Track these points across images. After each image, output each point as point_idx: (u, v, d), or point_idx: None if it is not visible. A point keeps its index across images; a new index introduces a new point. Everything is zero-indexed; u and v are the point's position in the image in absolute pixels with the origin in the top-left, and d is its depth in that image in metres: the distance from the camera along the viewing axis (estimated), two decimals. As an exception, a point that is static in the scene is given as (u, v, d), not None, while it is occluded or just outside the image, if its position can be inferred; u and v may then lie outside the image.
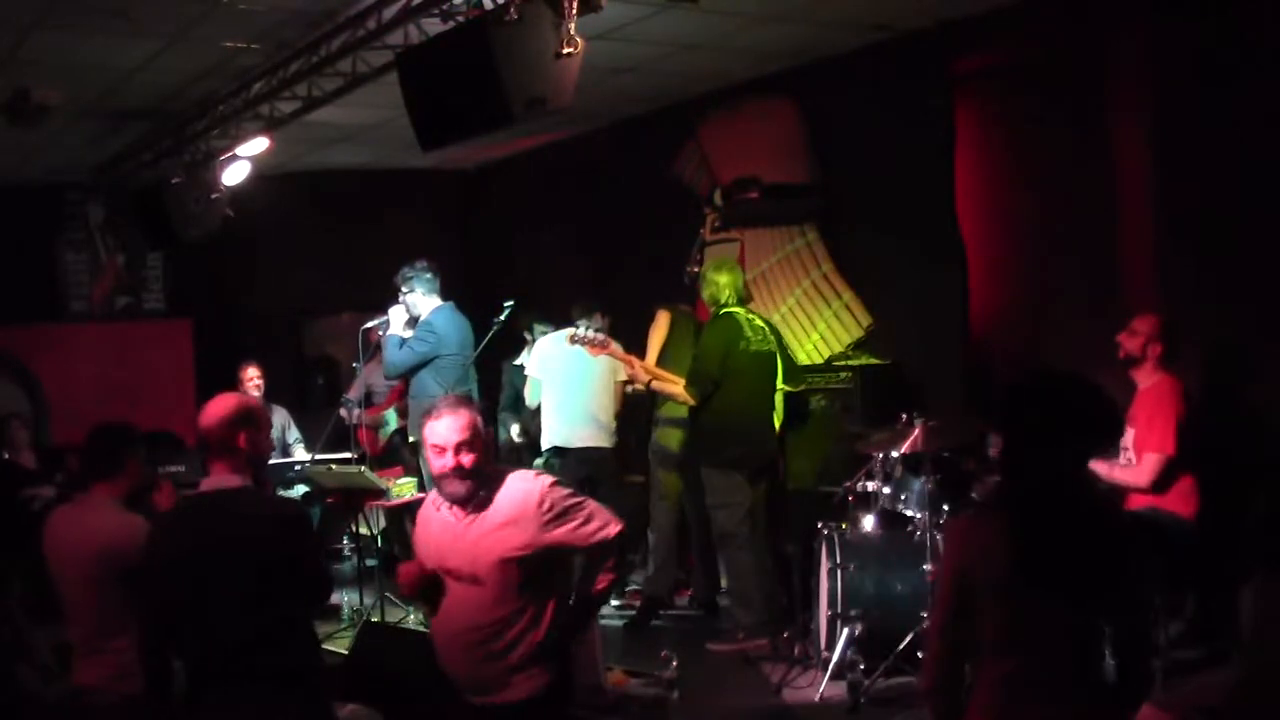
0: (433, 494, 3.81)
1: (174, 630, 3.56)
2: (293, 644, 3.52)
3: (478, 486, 3.59)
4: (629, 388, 7.37)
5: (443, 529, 3.68)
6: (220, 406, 3.64)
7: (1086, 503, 2.80)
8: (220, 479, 3.60)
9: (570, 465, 7.25)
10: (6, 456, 8.09)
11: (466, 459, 3.55)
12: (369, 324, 7.66)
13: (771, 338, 6.55)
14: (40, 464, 8.12)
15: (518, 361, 8.39)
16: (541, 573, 3.63)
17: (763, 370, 6.45)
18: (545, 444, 7.41)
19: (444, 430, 3.57)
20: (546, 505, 3.57)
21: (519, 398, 8.26)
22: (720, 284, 6.47)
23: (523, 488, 3.62)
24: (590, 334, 6.76)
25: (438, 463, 3.58)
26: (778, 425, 6.60)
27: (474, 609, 3.61)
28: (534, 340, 7.98)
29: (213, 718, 3.45)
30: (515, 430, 8.52)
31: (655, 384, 6.64)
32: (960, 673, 2.82)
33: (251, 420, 3.63)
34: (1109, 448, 2.94)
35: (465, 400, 3.74)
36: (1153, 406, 5.35)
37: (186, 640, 3.52)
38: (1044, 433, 2.78)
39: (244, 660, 3.42)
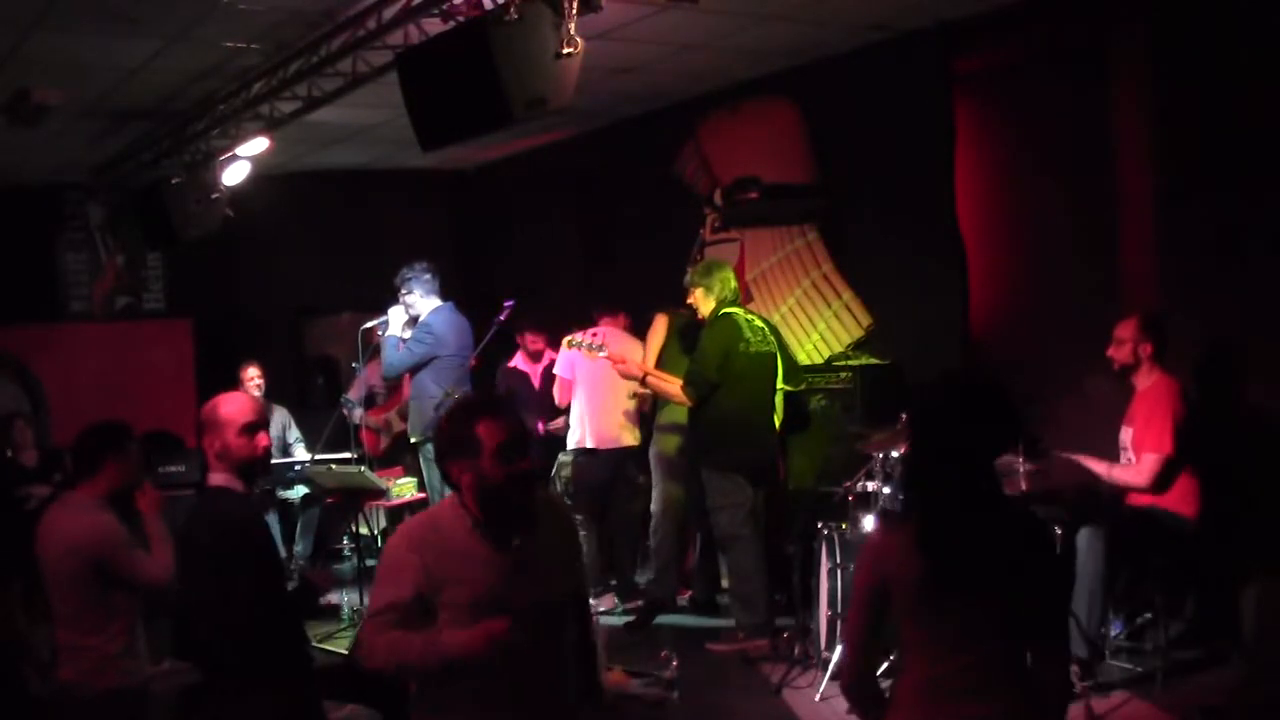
0: (446, 516, 3.09)
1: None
2: (266, 647, 3.54)
3: None
4: (629, 395, 7.46)
5: (491, 558, 3.02)
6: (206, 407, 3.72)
7: (995, 505, 2.81)
8: (211, 477, 3.68)
9: (598, 466, 7.44)
10: (10, 454, 8.09)
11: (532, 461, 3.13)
12: (369, 324, 7.67)
13: (771, 338, 6.53)
14: (41, 464, 8.11)
15: None
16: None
17: (763, 371, 6.44)
18: (573, 444, 7.48)
19: (515, 428, 3.03)
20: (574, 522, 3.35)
21: None
22: (715, 284, 6.45)
23: (556, 500, 3.35)
24: (587, 338, 6.78)
25: (504, 469, 2.98)
26: (778, 425, 6.59)
27: (548, 651, 3.07)
28: None
29: (202, 715, 3.49)
30: None
31: (651, 380, 6.65)
32: (874, 671, 2.96)
33: (207, 424, 3.67)
34: (1013, 445, 2.94)
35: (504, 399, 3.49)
36: (1150, 406, 5.36)
37: (181, 639, 3.58)
38: (947, 439, 2.80)
39: (223, 659, 3.45)
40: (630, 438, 7.52)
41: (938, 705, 2.74)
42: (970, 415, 2.80)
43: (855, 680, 2.94)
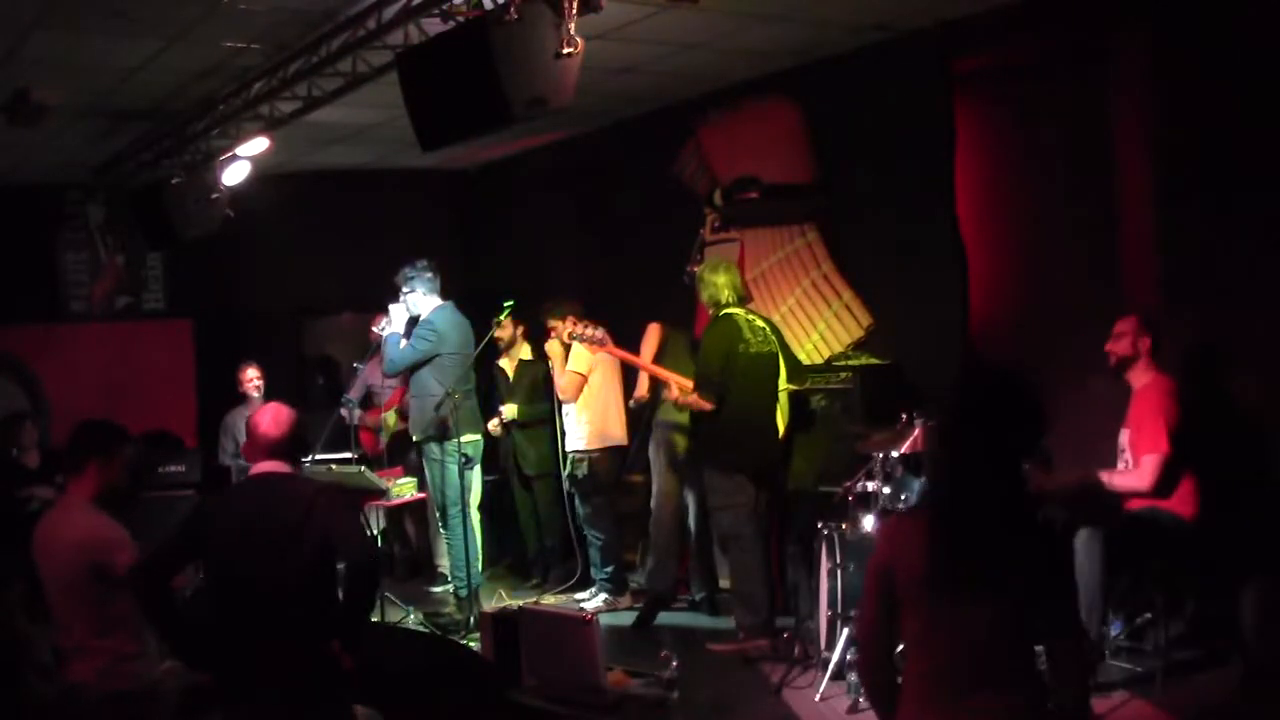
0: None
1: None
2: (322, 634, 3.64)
3: None
4: (630, 402, 7.48)
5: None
6: (283, 416, 3.95)
7: (1013, 504, 2.78)
8: (270, 465, 3.85)
9: (617, 463, 7.56)
10: (15, 454, 8.10)
11: None
12: (377, 326, 7.67)
13: (773, 338, 6.53)
14: (43, 465, 8.11)
15: None
16: None
17: (764, 372, 6.43)
18: (589, 441, 7.49)
19: None
20: None
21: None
22: (719, 284, 6.46)
23: None
24: (591, 332, 6.79)
25: None
26: (782, 426, 6.58)
27: None
28: None
29: (240, 708, 3.53)
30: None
31: (655, 372, 6.69)
32: (889, 656, 2.89)
33: (291, 426, 3.98)
34: (1038, 446, 2.92)
35: None
36: (1145, 408, 5.37)
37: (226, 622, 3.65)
38: (975, 429, 2.78)
39: (275, 642, 3.51)
40: (625, 436, 7.62)
41: (940, 699, 2.72)
42: (1004, 414, 2.76)
43: (867, 668, 2.92)
